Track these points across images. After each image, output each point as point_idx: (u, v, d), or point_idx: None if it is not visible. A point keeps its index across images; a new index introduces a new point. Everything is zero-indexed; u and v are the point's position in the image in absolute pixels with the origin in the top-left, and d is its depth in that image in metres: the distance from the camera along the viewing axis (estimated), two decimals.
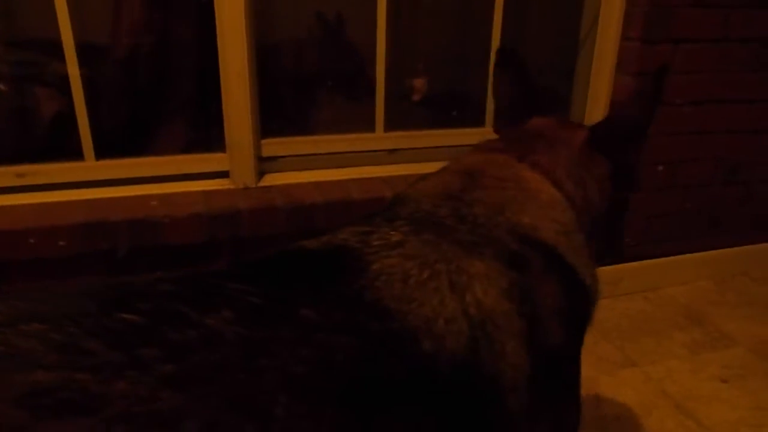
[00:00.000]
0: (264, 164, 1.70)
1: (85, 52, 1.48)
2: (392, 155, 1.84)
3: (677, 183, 2.05)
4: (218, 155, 1.65)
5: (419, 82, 2.19)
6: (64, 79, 1.48)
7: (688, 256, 2.18)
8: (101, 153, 1.55)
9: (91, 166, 1.55)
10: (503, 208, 0.80)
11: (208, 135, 1.68)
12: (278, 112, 1.91)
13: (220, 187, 1.63)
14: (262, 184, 1.68)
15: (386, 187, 1.69)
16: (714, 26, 1.85)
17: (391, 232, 0.71)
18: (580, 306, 0.81)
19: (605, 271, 1.80)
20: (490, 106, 1.89)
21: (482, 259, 0.70)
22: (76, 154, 1.53)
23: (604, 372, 1.73)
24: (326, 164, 1.77)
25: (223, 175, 1.66)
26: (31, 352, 0.48)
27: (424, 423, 0.60)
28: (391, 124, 1.81)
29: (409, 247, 0.69)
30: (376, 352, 0.59)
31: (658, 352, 1.82)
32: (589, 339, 0.85)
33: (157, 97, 1.89)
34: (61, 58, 1.46)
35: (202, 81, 1.70)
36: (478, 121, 1.93)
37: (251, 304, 0.58)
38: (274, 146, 1.70)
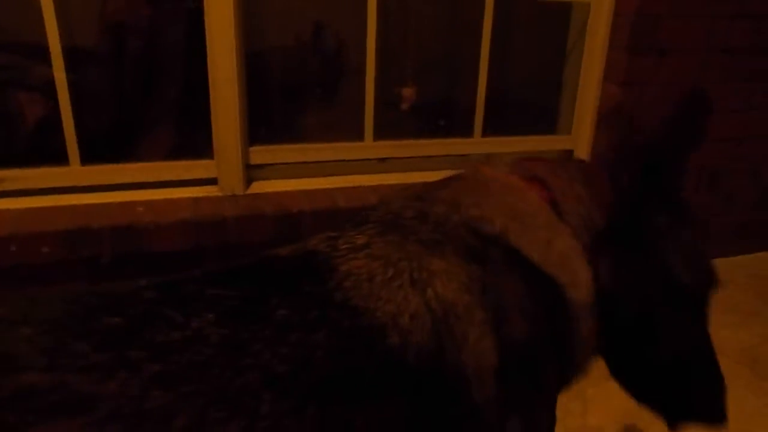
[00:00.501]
0: (252, 172, 1.69)
1: (70, 55, 1.46)
2: (381, 164, 1.84)
3: None
4: (206, 162, 1.63)
5: (408, 91, 2.20)
6: (49, 83, 1.46)
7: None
8: (87, 158, 1.53)
9: (76, 172, 1.53)
10: (459, 205, 0.81)
11: (196, 141, 1.67)
12: (267, 120, 1.91)
13: (207, 194, 1.62)
14: (249, 191, 1.66)
15: (374, 195, 1.69)
16: (697, 37, 1.89)
17: (357, 236, 0.75)
18: (549, 304, 0.81)
19: None
20: (479, 116, 1.90)
21: (443, 256, 0.73)
22: (61, 159, 1.51)
23: (590, 383, 1.72)
24: (315, 172, 1.76)
25: (211, 182, 1.64)
26: (19, 355, 0.50)
27: (396, 414, 0.64)
28: (380, 133, 1.81)
29: (374, 249, 0.73)
30: (349, 348, 0.63)
31: None
32: None
33: (145, 102, 1.88)
34: (45, 61, 1.44)
35: (191, 87, 1.69)
36: (466, 131, 1.93)
37: (231, 307, 0.62)
38: (262, 154, 1.70)
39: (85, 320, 0.56)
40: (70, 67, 1.46)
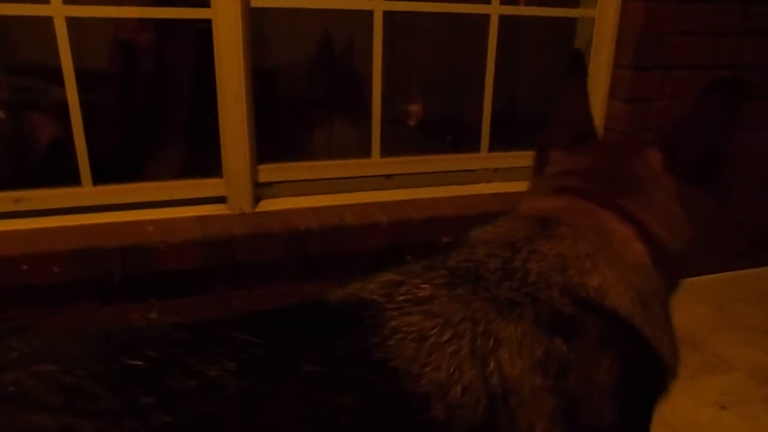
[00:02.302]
0: (260, 190, 1.70)
1: (82, 77, 1.49)
2: (388, 180, 1.85)
3: None
4: (215, 180, 1.65)
5: (414, 108, 2.21)
6: (61, 105, 1.48)
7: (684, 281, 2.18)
8: (98, 178, 1.55)
9: (88, 192, 1.54)
10: (567, 266, 0.70)
11: (205, 160, 1.69)
12: (275, 137, 1.93)
13: (216, 213, 1.63)
14: (258, 209, 1.67)
15: (381, 212, 1.69)
16: (703, 53, 1.89)
17: (423, 285, 0.66)
18: (649, 382, 0.73)
19: None
20: (485, 131, 1.91)
21: (518, 323, 0.63)
22: (73, 179, 1.53)
23: None
24: (323, 190, 1.77)
25: (220, 200, 1.66)
26: (38, 393, 0.49)
27: None
28: (387, 150, 1.82)
29: (435, 304, 0.64)
30: (381, 415, 0.56)
31: None
32: None
33: (155, 122, 1.90)
34: (58, 82, 1.46)
35: (200, 106, 1.71)
36: (473, 147, 1.94)
37: (256, 357, 0.57)
38: (270, 172, 1.71)
39: (107, 360, 0.54)
40: (83, 88, 1.48)
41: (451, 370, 0.59)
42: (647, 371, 0.72)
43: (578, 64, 0.95)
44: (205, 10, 1.49)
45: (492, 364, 0.60)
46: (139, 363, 0.53)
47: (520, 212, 0.83)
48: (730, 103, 0.82)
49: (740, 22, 1.89)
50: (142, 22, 1.79)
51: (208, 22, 1.50)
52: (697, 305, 2.21)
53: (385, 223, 1.66)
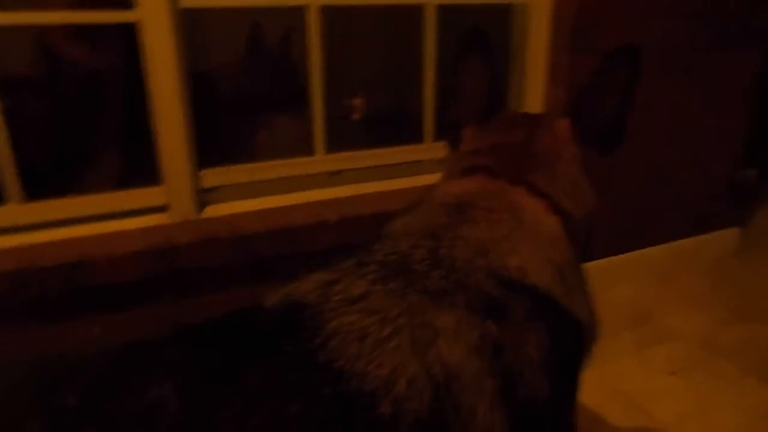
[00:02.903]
0: (204, 195, 1.66)
1: (5, 87, 1.41)
2: (335, 177, 1.83)
3: (614, 186, 2.12)
4: (155, 189, 1.60)
5: (358, 102, 2.20)
6: None
7: (629, 255, 2.25)
8: (28, 195, 1.48)
9: (17, 210, 1.47)
10: (488, 249, 0.72)
11: (145, 169, 1.63)
12: (217, 141, 1.88)
13: (158, 222, 1.58)
14: (203, 215, 1.63)
15: (329, 210, 1.68)
16: (636, 36, 1.93)
17: (357, 281, 0.67)
18: (575, 350, 0.76)
19: None
20: (428, 122, 1.91)
21: (452, 311, 0.64)
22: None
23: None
24: (269, 191, 1.74)
25: (162, 209, 1.61)
26: None
27: None
28: (334, 146, 1.81)
29: (372, 300, 0.64)
30: (330, 418, 0.56)
31: (610, 352, 1.86)
32: None
33: (89, 131, 1.83)
34: None
35: (136, 112, 1.65)
36: (417, 138, 1.94)
37: (197, 373, 0.56)
38: (213, 176, 1.67)
39: (42, 394, 0.52)
40: (4, 97, 1.41)
41: (395, 365, 0.59)
42: (571, 339, 0.75)
43: (479, 40, 0.97)
44: (130, 13, 1.43)
45: (432, 354, 0.61)
46: (75, 397, 0.52)
47: (436, 199, 0.84)
48: (628, 70, 0.88)
49: (669, 5, 1.95)
50: (68, 28, 1.71)
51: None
52: (643, 277, 2.29)
53: (333, 221, 1.65)
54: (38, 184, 1.50)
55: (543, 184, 0.84)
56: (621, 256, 2.23)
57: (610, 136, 0.92)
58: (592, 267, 2.23)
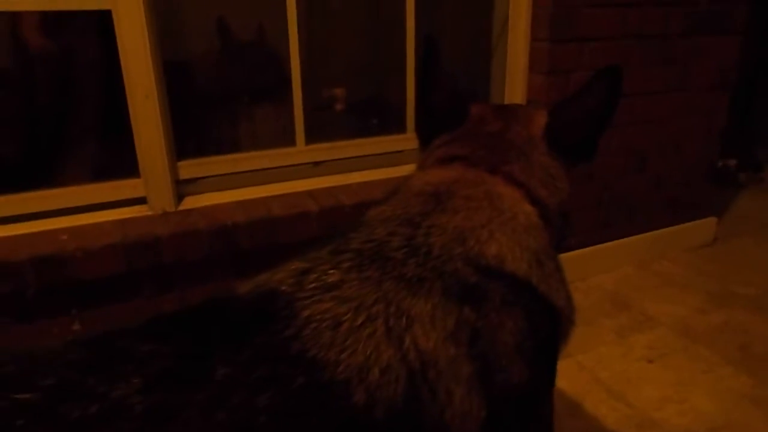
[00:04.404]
0: (183, 187, 1.64)
1: None
2: (316, 168, 1.82)
3: (594, 175, 2.13)
4: (132, 181, 1.57)
5: (339, 92, 2.19)
6: None
7: (610, 244, 2.28)
8: (2, 188, 1.45)
9: None
10: (466, 237, 0.73)
11: (122, 160, 1.60)
12: (196, 132, 1.86)
13: (137, 215, 1.56)
14: (182, 207, 1.61)
15: (311, 200, 1.67)
16: (613, 24, 1.95)
17: (330, 271, 0.66)
18: (552, 336, 0.77)
19: None
20: (410, 111, 1.91)
21: (428, 298, 0.64)
22: None
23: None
24: (248, 182, 1.72)
25: (140, 201, 1.58)
26: None
27: None
28: (314, 137, 1.79)
29: (346, 288, 0.64)
30: (302, 408, 0.55)
31: (590, 340, 1.88)
32: None
33: (65, 124, 1.79)
34: None
35: (112, 103, 1.62)
36: (399, 128, 1.93)
37: (163, 368, 0.54)
38: (191, 168, 1.65)
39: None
40: None
41: (368, 353, 0.59)
42: (548, 325, 0.76)
43: (431, 47, 0.96)
44: (102, 0, 1.40)
45: (408, 341, 0.61)
46: (29, 396, 0.49)
47: (413, 188, 0.84)
48: (609, 88, 0.87)
49: None
50: (40, 17, 1.67)
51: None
52: (623, 266, 2.32)
53: (315, 212, 1.64)
54: (12, 177, 1.47)
55: (519, 174, 0.85)
56: (601, 245, 2.25)
57: (581, 150, 0.93)
58: (572, 256, 2.25)
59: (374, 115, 2.10)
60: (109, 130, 1.74)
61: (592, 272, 2.25)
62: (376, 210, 0.81)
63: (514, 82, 1.99)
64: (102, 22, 1.46)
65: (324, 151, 1.82)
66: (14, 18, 1.67)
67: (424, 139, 0.98)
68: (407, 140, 1.93)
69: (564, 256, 2.28)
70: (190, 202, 1.63)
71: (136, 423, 0.50)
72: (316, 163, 1.82)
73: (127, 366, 0.53)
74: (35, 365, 0.54)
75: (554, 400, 0.86)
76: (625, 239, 2.31)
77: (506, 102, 2.02)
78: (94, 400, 0.50)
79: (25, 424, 0.47)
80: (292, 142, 1.78)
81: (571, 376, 1.72)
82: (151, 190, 1.57)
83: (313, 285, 0.65)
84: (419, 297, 0.64)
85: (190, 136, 1.66)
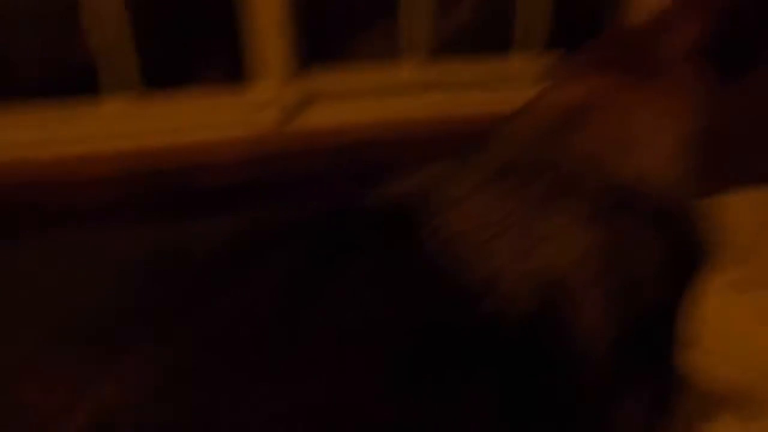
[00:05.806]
0: (306, 98, 1.59)
1: None
2: (434, 87, 1.70)
3: None
4: (252, 88, 1.54)
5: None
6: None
7: None
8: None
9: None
10: (603, 154, 0.70)
11: (240, 69, 1.56)
12: (322, 38, 1.76)
13: (257, 127, 1.53)
14: (301, 120, 1.57)
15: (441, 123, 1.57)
16: None
17: (461, 182, 0.67)
18: (686, 260, 0.73)
19: None
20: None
21: (563, 215, 0.64)
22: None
23: None
24: (374, 96, 1.64)
25: (261, 107, 1.55)
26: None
27: (489, 385, 0.58)
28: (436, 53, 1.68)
29: (475, 202, 0.64)
30: (436, 310, 0.57)
31: None
32: None
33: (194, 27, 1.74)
34: None
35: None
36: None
37: (298, 270, 0.58)
38: (314, 81, 1.59)
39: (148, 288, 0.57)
40: None
41: (502, 263, 0.60)
42: (685, 249, 0.72)
43: None
44: None
45: (538, 258, 0.61)
46: (177, 294, 0.56)
47: (544, 105, 0.80)
48: None
49: None
50: None
51: None
52: None
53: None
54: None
55: (661, 88, 0.78)
56: None
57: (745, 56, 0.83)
58: None
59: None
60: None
61: None
62: (506, 127, 0.79)
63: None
64: None
65: (444, 72, 1.70)
66: None
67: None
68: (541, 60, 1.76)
69: None
70: (310, 117, 1.58)
71: (264, 322, 0.54)
72: (435, 83, 1.70)
73: (262, 267, 0.58)
74: (179, 255, 0.64)
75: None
76: None
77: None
78: (232, 295, 0.55)
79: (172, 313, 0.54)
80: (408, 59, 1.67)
81: None
82: (271, 100, 1.54)
83: (444, 196, 0.65)
84: (552, 214, 0.64)
85: (318, 42, 1.59)
